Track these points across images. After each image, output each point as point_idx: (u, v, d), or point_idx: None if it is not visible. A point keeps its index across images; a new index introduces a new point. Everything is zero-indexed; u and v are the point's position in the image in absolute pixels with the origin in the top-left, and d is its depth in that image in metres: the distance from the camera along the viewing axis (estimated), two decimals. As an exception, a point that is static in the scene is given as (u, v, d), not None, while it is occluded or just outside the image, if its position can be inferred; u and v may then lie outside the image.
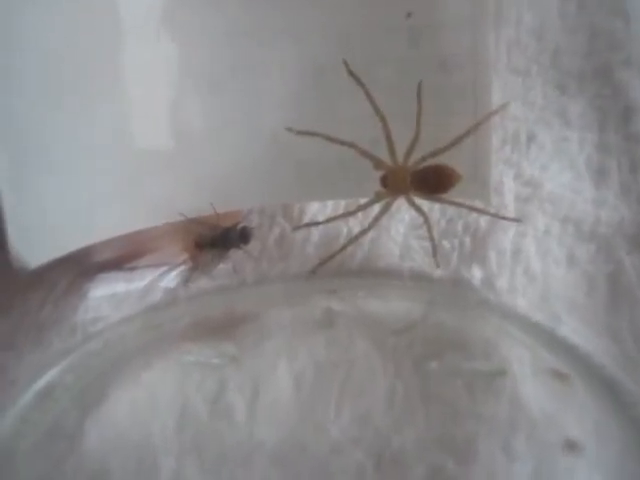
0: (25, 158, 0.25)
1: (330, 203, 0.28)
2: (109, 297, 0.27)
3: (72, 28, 0.24)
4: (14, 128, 0.25)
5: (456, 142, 0.25)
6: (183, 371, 0.24)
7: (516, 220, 0.27)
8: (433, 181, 0.26)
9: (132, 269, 0.27)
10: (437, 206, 0.28)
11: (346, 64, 0.25)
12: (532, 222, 0.28)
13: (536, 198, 0.28)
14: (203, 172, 0.26)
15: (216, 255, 0.27)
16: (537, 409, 0.23)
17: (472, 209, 0.27)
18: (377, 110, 0.25)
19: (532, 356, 0.25)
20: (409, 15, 0.25)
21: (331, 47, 0.25)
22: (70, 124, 0.25)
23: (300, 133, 0.25)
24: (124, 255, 0.27)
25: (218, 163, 0.26)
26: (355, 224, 0.28)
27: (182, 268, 0.27)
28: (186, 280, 0.27)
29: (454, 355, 0.24)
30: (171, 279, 0.27)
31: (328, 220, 0.27)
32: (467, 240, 0.28)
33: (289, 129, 0.25)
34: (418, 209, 0.26)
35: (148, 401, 0.24)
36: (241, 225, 0.27)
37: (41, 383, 0.24)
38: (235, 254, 0.27)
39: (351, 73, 0.25)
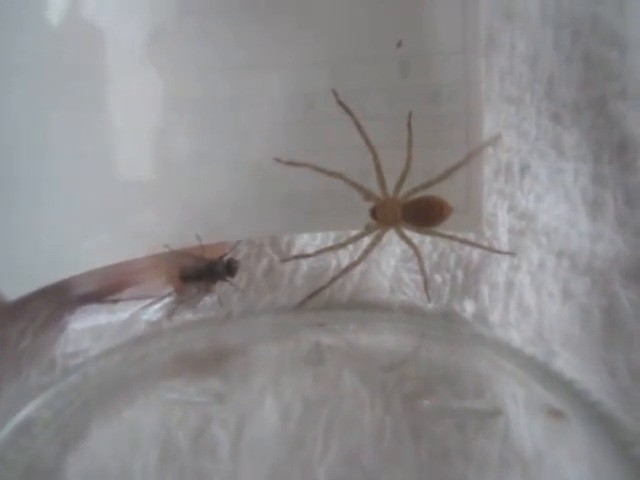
0: (7, 189, 0.24)
1: (319, 234, 0.28)
2: (90, 330, 0.26)
3: (59, 57, 0.24)
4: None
5: (447, 174, 0.25)
6: (165, 406, 0.24)
7: (510, 253, 0.27)
8: (424, 213, 0.25)
9: (114, 301, 0.26)
10: (428, 239, 0.27)
11: (335, 94, 0.25)
12: (526, 255, 0.27)
13: (530, 231, 0.28)
14: (190, 203, 0.26)
15: (202, 288, 0.26)
16: (530, 448, 0.22)
17: (464, 242, 0.26)
18: (367, 140, 0.25)
19: (526, 392, 0.24)
20: (399, 44, 0.24)
21: (321, 77, 0.25)
22: (55, 154, 0.24)
23: (289, 164, 0.25)
24: (106, 287, 0.26)
25: (205, 195, 0.26)
26: (344, 256, 0.27)
27: (166, 301, 0.26)
28: (170, 313, 0.26)
29: (445, 392, 0.24)
30: (154, 312, 0.26)
31: (318, 252, 0.26)
32: (459, 274, 0.27)
33: (277, 159, 0.25)
34: (409, 242, 0.26)
35: (129, 437, 0.23)
36: (227, 257, 0.27)
37: (18, 418, 0.23)
38: (221, 286, 0.26)
39: (340, 103, 0.25)
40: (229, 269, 0.26)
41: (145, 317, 0.26)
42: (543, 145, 0.30)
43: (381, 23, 0.24)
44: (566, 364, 0.24)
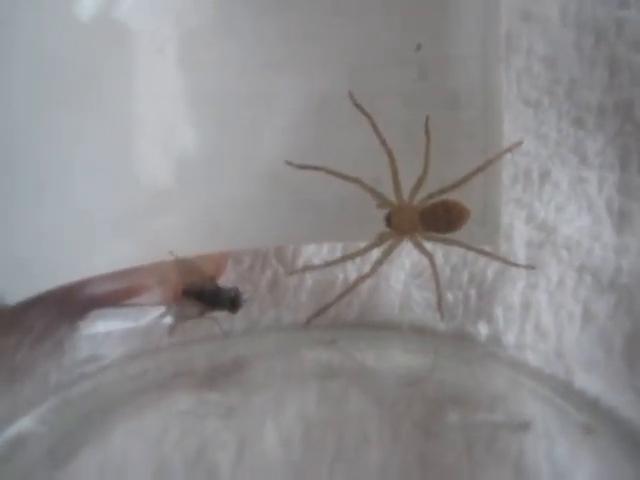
0: (15, 190, 0.23)
1: (326, 245, 0.27)
2: (89, 340, 0.25)
3: (89, 55, 0.23)
4: (5, 159, 0.23)
5: (465, 179, 0.24)
6: (162, 424, 0.22)
7: (528, 267, 0.25)
8: (443, 218, 0.24)
9: (117, 309, 0.25)
10: (441, 253, 0.26)
11: (351, 96, 0.24)
12: (544, 271, 0.26)
13: (550, 244, 0.26)
14: (200, 209, 0.25)
15: (201, 310, 0.25)
16: (548, 471, 0.20)
17: (481, 253, 0.25)
18: (384, 143, 0.24)
19: (549, 408, 0.23)
20: (418, 48, 0.24)
21: (337, 79, 0.24)
22: (66, 157, 0.24)
23: (301, 167, 0.24)
24: (110, 294, 0.25)
25: (215, 200, 0.25)
26: (352, 269, 0.26)
27: (169, 315, 0.25)
28: (171, 328, 0.25)
29: (459, 412, 0.22)
30: (155, 324, 0.25)
31: (326, 264, 0.25)
32: (472, 293, 0.26)
33: (289, 163, 0.24)
34: (424, 250, 0.25)
35: (121, 459, 0.22)
36: (235, 292, 0.25)
37: (10, 433, 0.22)
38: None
39: (357, 105, 0.24)
40: (233, 304, 0.25)
41: (146, 330, 0.25)
42: (564, 151, 0.28)
43: (400, 26, 0.24)
44: (589, 383, 0.23)
